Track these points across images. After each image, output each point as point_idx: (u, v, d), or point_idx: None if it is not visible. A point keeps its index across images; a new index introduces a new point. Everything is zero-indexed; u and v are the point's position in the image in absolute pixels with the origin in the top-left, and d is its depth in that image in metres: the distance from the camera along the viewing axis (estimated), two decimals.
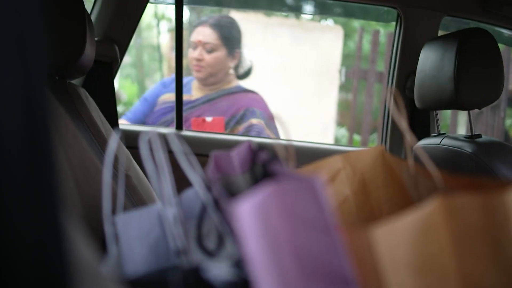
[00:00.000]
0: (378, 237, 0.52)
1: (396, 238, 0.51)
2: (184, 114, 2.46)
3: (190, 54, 2.69)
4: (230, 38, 2.74)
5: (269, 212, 0.53)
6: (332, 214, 0.51)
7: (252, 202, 0.53)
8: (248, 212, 0.53)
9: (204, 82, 2.71)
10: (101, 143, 1.34)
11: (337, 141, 5.90)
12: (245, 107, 2.84)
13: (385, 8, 2.40)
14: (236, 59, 2.80)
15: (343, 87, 5.95)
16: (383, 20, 3.40)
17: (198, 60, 2.65)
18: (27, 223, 0.32)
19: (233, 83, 2.85)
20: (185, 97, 2.69)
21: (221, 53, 2.70)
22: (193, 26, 2.74)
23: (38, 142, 0.33)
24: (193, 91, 2.76)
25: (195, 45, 2.67)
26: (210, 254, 0.67)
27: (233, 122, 2.81)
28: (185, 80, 2.67)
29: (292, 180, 0.57)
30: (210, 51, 2.67)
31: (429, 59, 1.63)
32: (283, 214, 0.54)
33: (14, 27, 0.32)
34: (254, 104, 2.86)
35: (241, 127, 2.79)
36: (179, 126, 2.32)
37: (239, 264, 0.62)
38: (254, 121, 2.86)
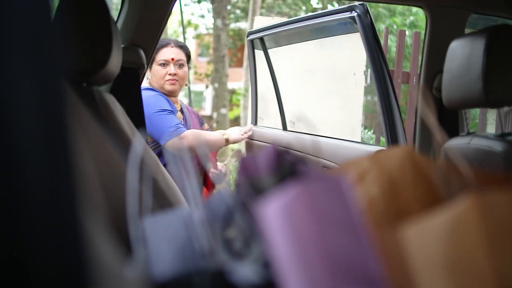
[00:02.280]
0: (408, 237, 0.50)
1: (427, 238, 0.50)
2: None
3: (158, 72, 3.00)
4: (189, 56, 3.18)
5: (296, 213, 0.53)
6: (360, 214, 0.49)
7: (279, 203, 0.52)
8: (275, 213, 0.52)
9: (175, 93, 3.08)
10: (128, 148, 1.34)
11: (364, 143, 5.85)
12: (197, 114, 3.32)
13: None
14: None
15: (369, 89, 5.92)
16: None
17: (174, 74, 3.00)
18: (46, 225, 0.32)
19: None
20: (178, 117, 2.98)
21: (186, 68, 3.11)
22: (156, 48, 2.95)
23: (56, 146, 0.32)
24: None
25: (166, 63, 3.00)
26: (237, 256, 0.66)
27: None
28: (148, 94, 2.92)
29: (319, 180, 0.56)
30: (181, 66, 3.06)
31: (456, 58, 1.60)
32: (310, 214, 0.53)
33: (32, 33, 0.32)
34: (193, 110, 3.37)
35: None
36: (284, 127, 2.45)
37: (266, 266, 0.61)
38: (205, 126, 3.32)
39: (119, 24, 2.00)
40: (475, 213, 0.50)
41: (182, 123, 3.01)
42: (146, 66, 2.08)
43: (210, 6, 9.54)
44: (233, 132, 3.10)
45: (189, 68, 3.19)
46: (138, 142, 0.62)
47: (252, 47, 3.82)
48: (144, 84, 2.79)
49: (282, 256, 0.52)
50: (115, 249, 0.50)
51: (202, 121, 3.33)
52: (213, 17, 10.41)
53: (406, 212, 0.79)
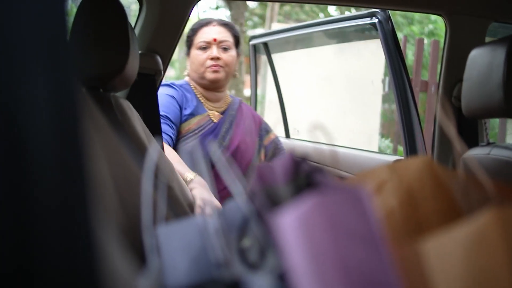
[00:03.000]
0: (428, 251, 0.49)
1: (448, 251, 0.49)
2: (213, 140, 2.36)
3: (197, 57, 2.44)
4: (237, 39, 2.55)
5: (313, 224, 0.52)
6: (379, 226, 0.49)
7: (295, 213, 0.51)
8: (292, 223, 0.51)
9: (219, 84, 2.46)
10: (144, 155, 1.34)
11: (381, 152, 5.82)
12: (260, 120, 2.68)
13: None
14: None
15: (386, 97, 5.89)
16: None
17: (216, 59, 2.40)
18: (58, 233, 0.32)
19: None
20: (201, 118, 2.41)
21: (234, 53, 2.50)
22: (194, 29, 2.51)
23: (70, 152, 0.32)
24: (204, 104, 2.48)
25: (207, 45, 2.42)
26: (252, 266, 0.65)
27: (259, 140, 2.62)
28: (179, 83, 2.50)
29: (337, 190, 0.55)
30: (226, 49, 2.46)
31: (476, 66, 1.59)
32: (327, 225, 0.52)
33: (46, 39, 0.31)
34: (257, 115, 2.73)
35: (266, 143, 2.62)
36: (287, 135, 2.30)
37: (282, 277, 0.60)
38: (272, 135, 2.68)
39: (137, 30, 2.01)
40: (496, 227, 0.48)
41: (210, 126, 2.41)
42: (163, 72, 2.09)
43: (228, 13, 9.56)
44: (201, 187, 1.68)
45: (238, 54, 2.56)
46: (154, 149, 0.62)
47: (254, 52, 3.76)
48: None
49: (297, 268, 0.51)
50: (128, 258, 0.49)
51: (266, 129, 2.68)
52: None
53: (425, 224, 0.77)
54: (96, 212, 0.34)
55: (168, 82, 2.49)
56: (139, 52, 1.92)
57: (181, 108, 2.39)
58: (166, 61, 2.11)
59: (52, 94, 0.31)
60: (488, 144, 1.70)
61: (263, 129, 2.64)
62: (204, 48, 2.42)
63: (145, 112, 1.92)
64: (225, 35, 2.46)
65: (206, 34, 2.43)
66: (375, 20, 2.49)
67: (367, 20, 2.57)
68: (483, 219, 0.48)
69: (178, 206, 1.34)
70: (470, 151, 1.69)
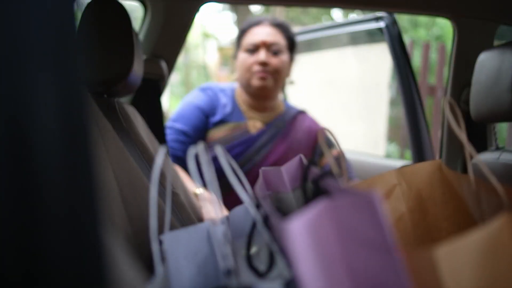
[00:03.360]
0: (440, 258, 0.48)
1: (460, 259, 0.48)
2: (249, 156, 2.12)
3: (244, 61, 2.16)
4: (292, 41, 2.25)
5: (322, 229, 0.51)
6: (390, 231, 0.48)
7: (304, 219, 0.51)
8: (300, 229, 0.50)
9: (266, 92, 2.16)
10: (148, 161, 1.34)
11: (388, 157, 5.81)
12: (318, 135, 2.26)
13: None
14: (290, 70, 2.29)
15: (393, 102, 5.88)
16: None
17: (264, 64, 2.11)
18: (65, 241, 0.31)
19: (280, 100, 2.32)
20: (234, 127, 2.15)
21: (286, 57, 2.19)
22: (242, 29, 2.24)
23: (77, 158, 0.32)
24: (244, 112, 2.21)
25: (255, 48, 2.15)
26: (260, 274, 0.65)
27: (313, 158, 2.24)
28: (223, 87, 2.28)
29: (347, 195, 0.55)
30: (276, 53, 2.16)
31: (485, 70, 1.58)
32: (337, 231, 0.52)
33: (54, 44, 0.31)
34: (317, 128, 2.30)
35: (323, 163, 2.20)
36: None
37: (290, 284, 0.60)
38: (334, 151, 2.18)
39: (141, 36, 2.02)
40: (509, 233, 0.48)
41: (244, 136, 2.15)
42: (167, 77, 2.09)
43: (235, 17, 9.57)
44: (208, 204, 1.64)
45: (292, 59, 2.26)
46: (159, 155, 0.62)
47: None
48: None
49: (307, 274, 0.51)
50: (134, 264, 0.49)
51: (329, 143, 2.21)
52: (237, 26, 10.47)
53: (435, 231, 0.77)
54: (103, 218, 0.33)
55: (205, 85, 2.30)
56: (144, 57, 1.93)
57: (208, 116, 2.15)
58: (171, 66, 2.12)
59: (59, 99, 0.31)
60: (497, 149, 1.69)
61: (317, 147, 2.25)
62: (251, 51, 2.16)
63: (150, 117, 1.92)
64: (276, 37, 2.17)
65: (254, 36, 2.17)
66: (382, 24, 2.49)
67: (373, 24, 2.57)
68: (496, 225, 0.48)
69: (184, 213, 1.33)
70: (479, 156, 1.68)
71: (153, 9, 1.99)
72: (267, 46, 2.15)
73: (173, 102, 8.62)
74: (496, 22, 2.04)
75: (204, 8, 2.50)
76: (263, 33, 2.17)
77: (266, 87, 2.14)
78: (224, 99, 2.21)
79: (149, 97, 2.03)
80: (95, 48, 1.25)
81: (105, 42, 1.29)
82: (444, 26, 8.33)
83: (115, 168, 0.86)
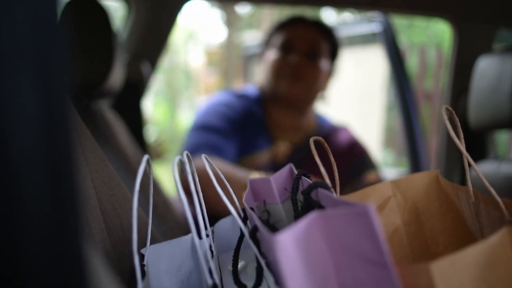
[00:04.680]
0: (437, 274, 0.49)
1: (458, 274, 0.48)
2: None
3: (274, 59, 1.90)
4: (335, 48, 1.98)
5: (313, 243, 0.52)
6: (385, 245, 0.48)
7: (293, 231, 0.51)
8: (289, 242, 0.51)
9: (296, 101, 1.90)
10: (130, 170, 1.34)
11: (384, 163, 5.83)
12: (359, 153, 1.99)
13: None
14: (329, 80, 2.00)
15: (389, 108, 5.91)
16: None
17: (297, 67, 1.85)
18: (46, 253, 0.32)
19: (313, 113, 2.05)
20: (257, 159, 1.86)
21: (325, 65, 1.92)
22: (277, 26, 1.97)
23: (59, 166, 0.32)
24: (271, 129, 1.94)
25: (288, 46, 1.88)
26: None
27: (348, 183, 1.93)
28: (246, 92, 2.00)
29: (339, 207, 0.55)
30: (314, 58, 1.88)
31: (484, 75, 1.59)
32: (328, 244, 0.52)
33: (35, 48, 0.31)
34: (358, 149, 2.02)
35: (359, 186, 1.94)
36: None
37: None
38: (373, 176, 1.95)
39: (125, 35, 2.02)
40: (510, 249, 0.48)
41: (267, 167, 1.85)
42: (150, 79, 2.09)
43: (224, 16, 9.53)
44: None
45: (332, 70, 2.00)
46: (142, 164, 0.62)
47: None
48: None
49: (298, 285, 0.51)
50: (114, 279, 0.49)
51: (365, 165, 1.98)
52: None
53: (432, 245, 0.77)
54: (83, 229, 0.34)
55: (224, 100, 1.99)
56: (126, 58, 1.93)
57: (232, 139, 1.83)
58: (155, 67, 2.12)
59: (40, 104, 0.31)
60: (496, 158, 1.70)
61: (358, 165, 1.98)
62: (284, 49, 1.88)
63: (131, 121, 1.91)
64: (316, 39, 1.90)
65: (289, 33, 1.89)
66: (377, 27, 2.51)
67: (368, 27, 2.59)
68: (495, 240, 0.48)
69: (165, 224, 1.33)
70: (477, 166, 1.69)
71: (136, 7, 1.99)
72: (304, 46, 1.87)
73: (157, 107, 8.62)
74: (496, 24, 2.06)
75: (190, 6, 2.46)
76: (301, 31, 1.89)
77: (295, 95, 1.87)
78: (255, 112, 1.92)
79: (131, 100, 2.03)
80: (73, 50, 1.25)
81: (84, 44, 1.29)
82: (439, 29, 8.40)
83: (94, 177, 0.86)
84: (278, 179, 0.80)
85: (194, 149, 1.75)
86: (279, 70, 1.87)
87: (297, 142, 1.94)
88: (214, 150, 1.76)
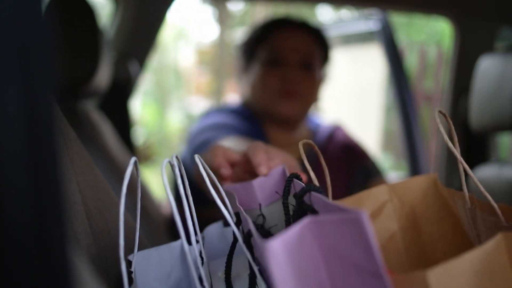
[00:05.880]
0: (434, 281, 0.49)
1: (455, 282, 0.49)
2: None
3: (263, 75, 1.74)
4: (327, 52, 1.87)
5: (306, 250, 0.52)
6: (379, 254, 0.49)
7: (285, 238, 0.51)
8: (281, 249, 0.51)
9: (292, 120, 1.78)
10: (117, 173, 1.34)
11: (383, 166, 5.82)
12: (357, 164, 1.89)
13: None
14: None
15: (387, 109, 5.92)
16: None
17: (289, 82, 1.71)
18: (29, 258, 0.32)
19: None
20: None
21: (318, 71, 1.80)
22: (260, 32, 1.81)
23: (43, 169, 0.32)
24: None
25: (279, 59, 1.72)
26: None
27: (353, 190, 1.73)
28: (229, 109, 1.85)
29: (332, 212, 0.55)
30: (306, 68, 1.74)
31: (486, 76, 1.59)
32: (321, 252, 0.53)
33: (18, 45, 0.32)
34: (359, 154, 1.92)
35: None
36: None
37: None
38: (380, 183, 1.55)
39: (112, 32, 2.01)
40: (508, 255, 0.49)
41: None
42: (138, 78, 2.09)
43: (216, 13, 9.49)
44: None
45: (324, 76, 1.88)
46: (129, 167, 0.62)
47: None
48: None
49: None
50: (99, 285, 0.49)
51: (369, 171, 1.89)
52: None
53: (430, 251, 0.78)
54: (68, 235, 0.34)
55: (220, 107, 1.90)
56: (114, 56, 1.93)
57: None
58: (143, 65, 2.11)
59: (23, 103, 0.32)
60: (498, 162, 1.70)
61: (362, 173, 1.88)
62: (273, 63, 1.72)
63: (119, 121, 1.91)
64: (308, 47, 1.76)
65: (278, 42, 1.74)
66: (375, 25, 2.51)
67: (366, 25, 2.59)
68: (491, 246, 0.49)
69: (153, 229, 1.33)
70: (478, 170, 1.69)
71: (123, 3, 1.98)
72: (295, 57, 1.73)
73: (146, 108, 8.59)
74: (499, 22, 2.06)
75: (179, 3, 2.44)
76: (289, 38, 1.74)
77: (293, 114, 1.73)
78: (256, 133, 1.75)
79: (118, 99, 2.02)
80: (58, 48, 1.25)
81: (69, 41, 1.29)
82: (440, 26, 8.42)
83: (80, 180, 0.86)
84: (264, 184, 0.80)
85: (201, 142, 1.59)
86: (269, 87, 1.72)
87: (297, 158, 1.71)
88: (221, 131, 1.62)
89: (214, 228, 0.82)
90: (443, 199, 0.77)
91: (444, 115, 0.70)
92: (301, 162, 1.79)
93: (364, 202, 0.80)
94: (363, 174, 1.86)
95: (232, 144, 1.34)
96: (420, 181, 0.80)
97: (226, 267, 0.69)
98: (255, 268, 0.62)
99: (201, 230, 0.81)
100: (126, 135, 1.99)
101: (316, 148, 0.76)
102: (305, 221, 0.52)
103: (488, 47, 2.04)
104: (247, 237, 0.63)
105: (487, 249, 0.49)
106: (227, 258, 0.70)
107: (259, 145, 0.97)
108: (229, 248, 0.70)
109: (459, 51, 2.12)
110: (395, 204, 0.80)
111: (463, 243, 0.73)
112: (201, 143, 1.56)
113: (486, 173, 1.62)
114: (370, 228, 0.48)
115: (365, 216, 0.48)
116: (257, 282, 0.63)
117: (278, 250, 0.51)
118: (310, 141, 0.75)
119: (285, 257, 0.51)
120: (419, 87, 5.44)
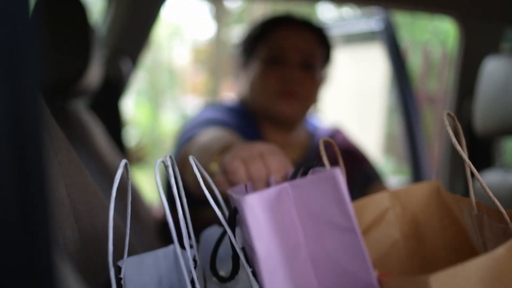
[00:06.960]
0: (436, 286, 0.49)
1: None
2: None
3: (261, 77, 1.74)
4: (329, 51, 1.87)
5: (284, 211, 0.56)
6: (352, 210, 0.53)
7: (262, 194, 0.55)
8: (258, 205, 0.55)
9: (291, 121, 1.79)
10: (107, 175, 1.34)
11: (384, 171, 5.84)
12: (356, 168, 1.87)
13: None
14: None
15: (389, 112, 5.93)
16: None
17: (292, 83, 1.72)
18: (14, 263, 0.31)
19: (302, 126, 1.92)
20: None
21: (319, 75, 1.81)
22: (260, 29, 1.82)
23: (29, 170, 0.32)
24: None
25: (279, 57, 1.73)
26: None
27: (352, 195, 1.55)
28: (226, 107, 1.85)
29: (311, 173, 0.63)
30: (308, 68, 1.75)
31: (491, 78, 1.59)
32: (299, 215, 0.57)
33: (4, 42, 0.31)
34: (358, 159, 1.91)
35: None
36: None
37: None
38: (380, 189, 1.59)
39: (104, 30, 2.01)
40: None
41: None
42: (131, 76, 2.08)
43: (213, 10, 9.49)
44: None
45: (324, 77, 1.88)
46: (119, 170, 0.62)
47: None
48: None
49: (264, 249, 0.54)
50: None
51: (369, 177, 1.88)
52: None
53: (433, 260, 0.78)
54: (55, 238, 0.33)
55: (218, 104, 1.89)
56: (107, 54, 1.92)
57: None
58: (136, 63, 2.11)
59: (10, 102, 0.31)
60: (503, 167, 1.70)
61: (360, 178, 1.86)
62: (273, 61, 1.73)
63: (110, 121, 1.91)
64: (310, 46, 1.76)
65: (279, 40, 1.74)
66: (377, 26, 2.52)
67: (368, 25, 2.59)
68: (500, 253, 0.49)
69: (144, 234, 1.33)
70: (482, 175, 1.69)
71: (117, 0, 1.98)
72: (296, 56, 1.73)
73: (139, 108, 8.59)
74: (505, 23, 2.07)
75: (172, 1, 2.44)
76: (291, 36, 1.75)
77: (292, 115, 1.74)
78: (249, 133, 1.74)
79: (109, 100, 2.02)
80: (47, 45, 1.25)
81: (59, 38, 1.28)
82: (444, 25, 8.43)
83: (68, 182, 0.85)
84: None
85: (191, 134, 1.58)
86: (268, 86, 1.73)
87: (294, 159, 1.78)
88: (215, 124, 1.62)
89: (212, 231, 0.82)
90: (446, 207, 0.77)
91: (452, 118, 0.70)
92: (297, 164, 1.82)
93: (366, 209, 0.79)
94: (362, 179, 1.86)
95: (220, 136, 1.34)
96: (423, 188, 0.80)
97: (216, 272, 0.70)
98: (238, 247, 0.64)
99: (199, 233, 0.81)
100: (118, 136, 1.99)
101: (336, 148, 0.78)
102: (285, 183, 0.57)
103: (493, 48, 2.05)
104: (233, 213, 0.64)
105: (497, 256, 0.49)
106: (216, 243, 0.71)
107: (239, 152, 0.98)
108: (228, 251, 0.70)
109: (464, 52, 2.12)
110: (397, 211, 0.80)
111: (467, 251, 0.73)
112: (191, 137, 1.54)
113: (490, 178, 1.62)
114: (344, 184, 0.53)
115: (338, 172, 0.53)
116: (245, 268, 0.63)
117: (256, 205, 0.55)
118: (331, 140, 0.77)
119: (262, 212, 0.55)
120: (422, 88, 5.45)
